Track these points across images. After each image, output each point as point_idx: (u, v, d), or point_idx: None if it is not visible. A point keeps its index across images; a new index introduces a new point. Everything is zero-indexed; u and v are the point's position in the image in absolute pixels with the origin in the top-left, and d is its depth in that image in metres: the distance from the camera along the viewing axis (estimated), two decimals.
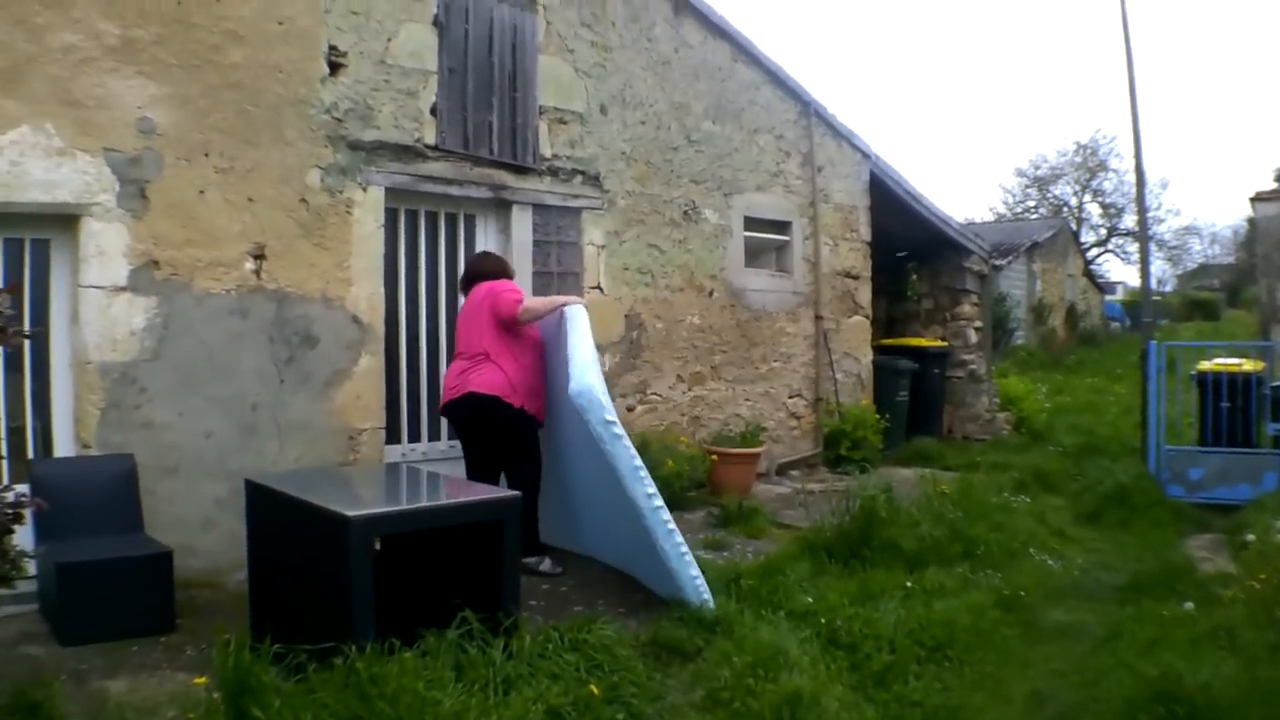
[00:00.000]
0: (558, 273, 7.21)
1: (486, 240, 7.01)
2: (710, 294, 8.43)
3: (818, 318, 9.53)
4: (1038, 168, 41.15)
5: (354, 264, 6.06)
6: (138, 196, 5.30)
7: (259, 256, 5.70)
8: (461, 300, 6.20)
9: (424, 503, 4.51)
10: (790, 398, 9.29)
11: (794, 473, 9.16)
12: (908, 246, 11.67)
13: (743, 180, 8.77)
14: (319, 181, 5.91)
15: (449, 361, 6.27)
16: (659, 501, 4.87)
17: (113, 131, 5.20)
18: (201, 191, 5.51)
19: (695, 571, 4.87)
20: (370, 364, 6.12)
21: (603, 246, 7.51)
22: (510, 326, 5.70)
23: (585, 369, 5.03)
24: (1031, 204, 40.92)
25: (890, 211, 10.38)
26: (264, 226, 5.71)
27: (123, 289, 5.27)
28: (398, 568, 4.37)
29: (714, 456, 7.76)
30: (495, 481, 5.73)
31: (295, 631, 3.79)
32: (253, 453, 5.66)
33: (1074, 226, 36.55)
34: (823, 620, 4.59)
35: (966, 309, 11.61)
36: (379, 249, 6.20)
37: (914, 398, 10.71)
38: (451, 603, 3.98)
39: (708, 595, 4.84)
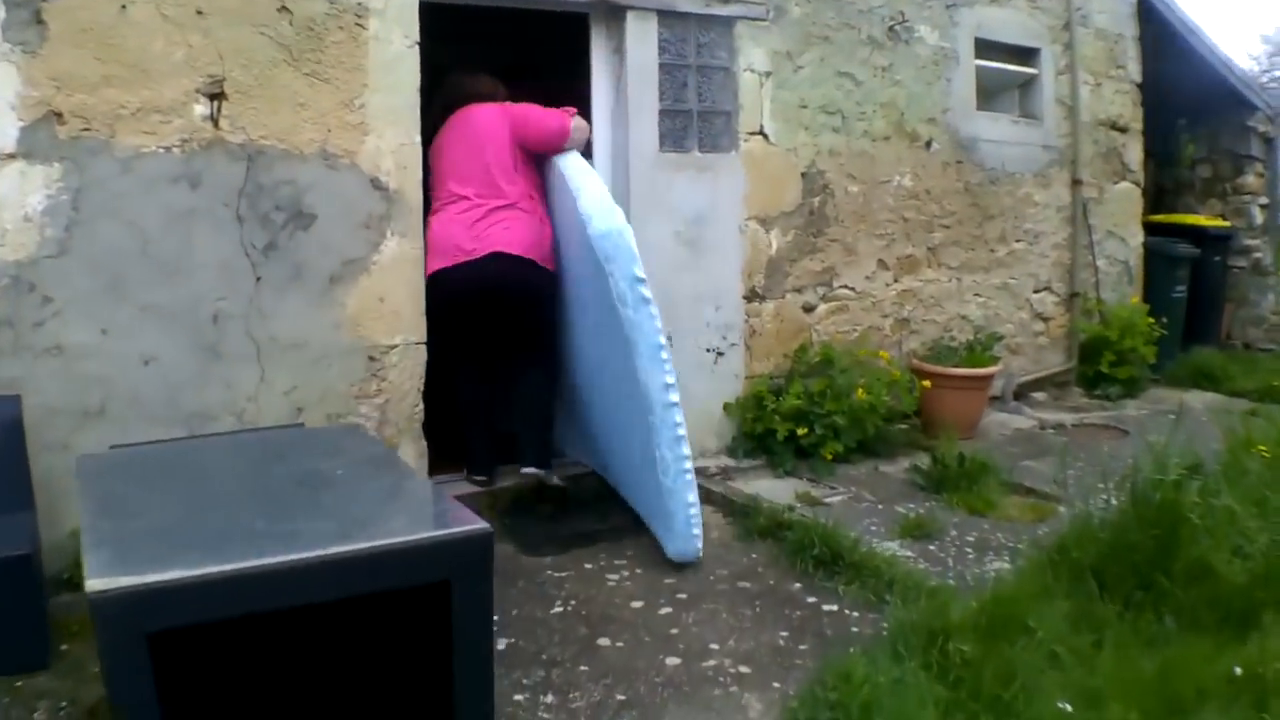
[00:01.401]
0: (698, 111, 4.97)
1: (586, 66, 4.88)
2: (927, 145, 5.91)
3: (1075, 182, 6.79)
4: None
5: (371, 103, 4.06)
6: (30, 24, 3.48)
7: (216, 96, 3.79)
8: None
9: (283, 556, 2.03)
10: (1036, 292, 6.70)
11: (1037, 395, 6.66)
12: (1177, 96, 8.51)
13: None
14: None
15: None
16: (675, 396, 3.81)
17: None
18: (124, 6, 3.64)
19: (693, 510, 3.85)
20: (401, 249, 4.17)
21: (768, 74, 5.18)
22: (542, 159, 4.44)
23: (609, 208, 3.93)
24: None
25: (1158, 49, 7.33)
26: (222, 50, 3.79)
27: (10, 156, 3.50)
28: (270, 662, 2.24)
29: (925, 381, 5.44)
30: (494, 381, 4.61)
31: None
32: (218, 385, 3.87)
33: None
34: None
35: (1251, 180, 8.35)
36: (412, 78, 4.15)
37: (1190, 294, 7.85)
38: None
39: (698, 544, 3.87)
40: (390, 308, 4.17)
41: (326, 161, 3.99)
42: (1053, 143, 6.67)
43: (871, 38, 5.55)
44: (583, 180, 4.10)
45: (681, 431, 3.79)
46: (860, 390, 4.94)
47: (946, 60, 5.93)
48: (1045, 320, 6.76)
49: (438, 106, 4.48)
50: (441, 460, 4.52)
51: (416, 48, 4.15)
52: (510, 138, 4.35)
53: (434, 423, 4.41)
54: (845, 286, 5.56)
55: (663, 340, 3.74)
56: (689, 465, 3.84)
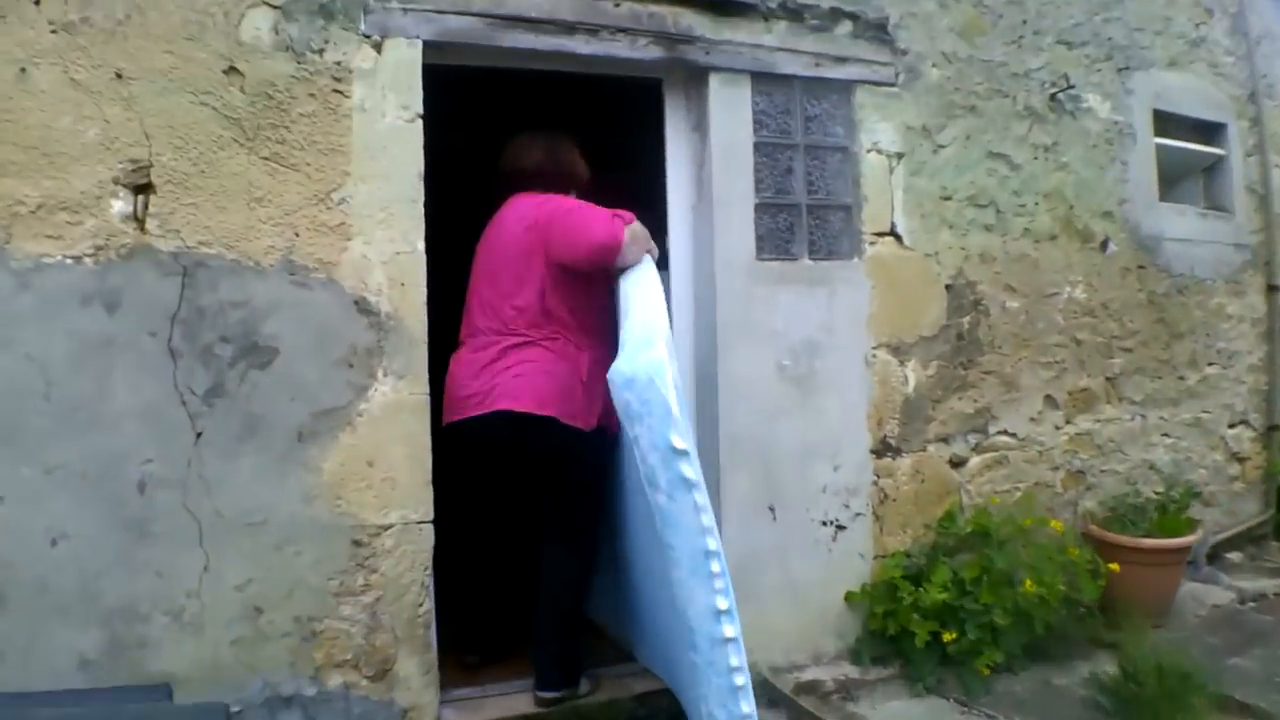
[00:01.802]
0: (808, 206, 3.79)
1: (660, 146, 3.75)
2: (1103, 246, 4.56)
3: (1270, 288, 5.31)
4: None
5: (355, 196, 2.99)
6: None
7: (141, 188, 2.79)
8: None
9: None
10: (1231, 427, 5.19)
11: (1231, 555, 5.10)
12: None
13: (1146, 47, 4.80)
14: (269, 32, 2.91)
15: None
16: (731, 629, 2.58)
17: None
18: (23, 69, 2.69)
19: None
20: (398, 395, 3.04)
21: (899, 156, 3.98)
22: (587, 274, 3.24)
23: (641, 339, 2.70)
24: None
25: None
26: (150, 126, 2.79)
27: None
28: None
29: (1113, 565, 3.96)
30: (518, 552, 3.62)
31: None
32: (147, 575, 2.78)
33: None
34: None
35: None
36: (412, 162, 3.08)
37: None
38: None
39: None
40: (382, 474, 3.03)
41: (293, 276, 2.92)
42: (1245, 240, 5.24)
43: (1030, 108, 4.30)
44: (636, 302, 2.95)
45: (740, 681, 2.57)
46: (1028, 581, 3.59)
47: (1122, 138, 4.62)
48: (1240, 461, 5.24)
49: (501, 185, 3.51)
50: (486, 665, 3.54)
51: (419, 123, 3.09)
52: (543, 242, 3.23)
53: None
54: (1004, 432, 4.21)
55: (712, 545, 2.55)
56: None
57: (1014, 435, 4.23)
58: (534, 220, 3.26)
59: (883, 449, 3.89)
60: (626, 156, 4.18)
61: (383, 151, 3.03)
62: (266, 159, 2.90)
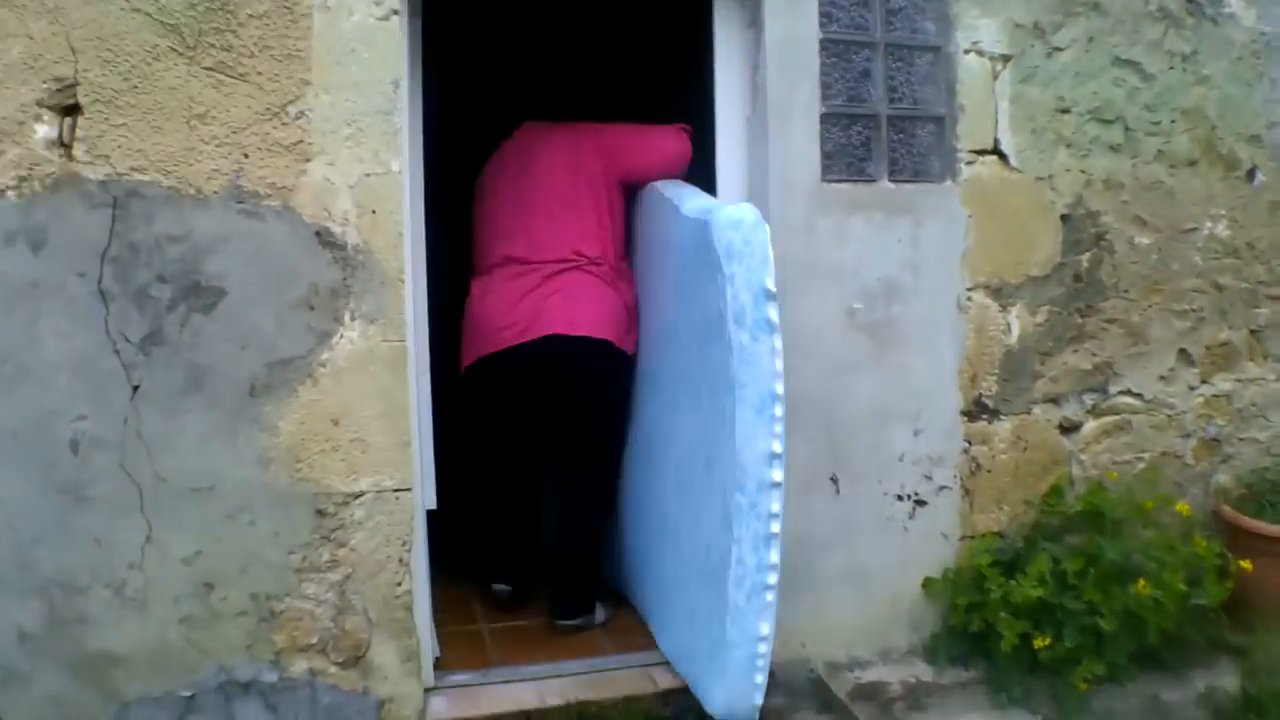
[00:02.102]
0: (888, 117, 3.14)
1: (706, 46, 3.16)
2: (1250, 175, 3.66)
3: None
4: None
5: (315, 109, 2.54)
6: None
7: (68, 110, 2.42)
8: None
9: None
10: None
11: None
12: None
13: None
14: None
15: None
16: (778, 474, 2.57)
17: None
18: None
19: (762, 647, 2.59)
20: (369, 342, 2.61)
21: (1005, 59, 3.25)
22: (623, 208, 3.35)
23: (732, 203, 2.84)
24: None
25: None
26: (76, 40, 2.40)
27: None
28: None
29: (1245, 563, 3.15)
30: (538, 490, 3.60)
31: None
32: (85, 543, 2.47)
33: None
34: None
35: None
36: (386, 68, 2.60)
37: None
38: None
39: (757, 698, 2.62)
40: (350, 434, 2.62)
41: (241, 205, 2.51)
42: None
43: (1164, 9, 3.45)
44: (683, 190, 3.08)
45: (775, 528, 2.57)
46: (1141, 581, 2.92)
47: (1270, 51, 3.68)
48: None
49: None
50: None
51: (396, 20, 2.60)
52: (603, 171, 3.25)
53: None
54: (1127, 392, 3.47)
55: (779, 390, 2.57)
56: (772, 582, 2.57)
57: (1139, 396, 3.48)
58: (601, 143, 3.26)
59: (977, 410, 3.26)
60: (666, 73, 3.79)
61: (350, 55, 2.56)
62: (210, 69, 2.47)
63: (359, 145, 2.57)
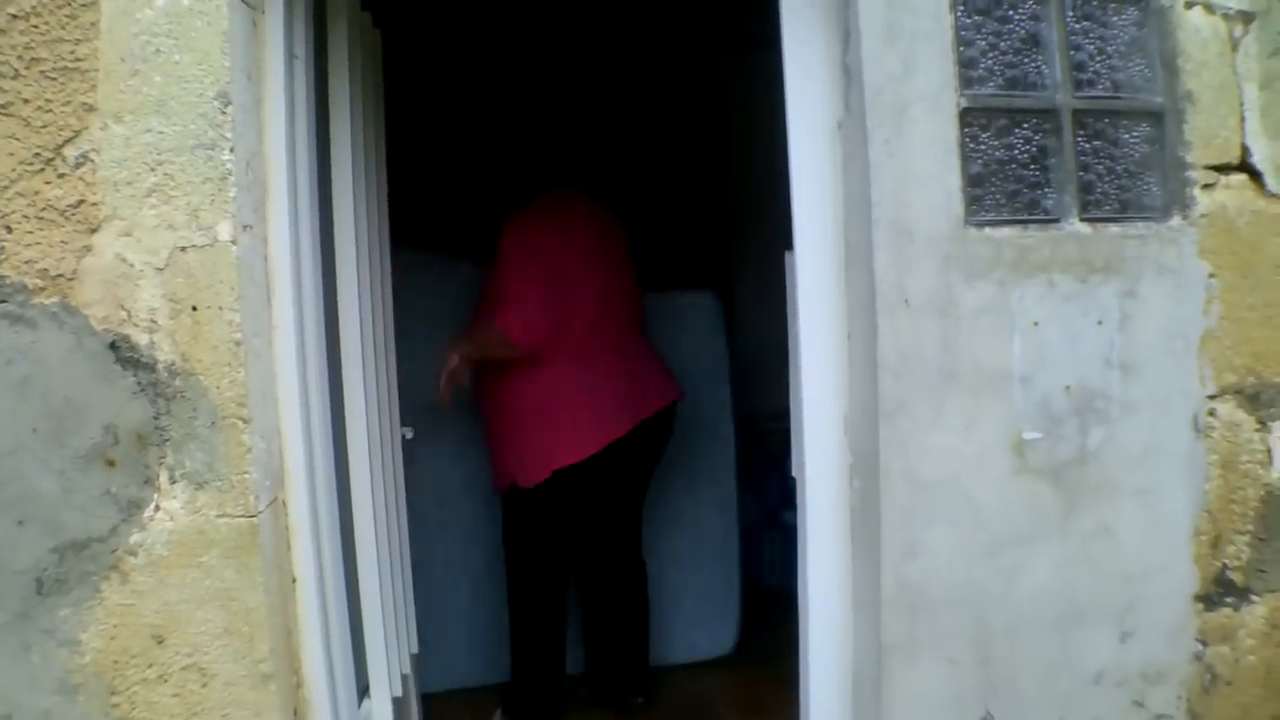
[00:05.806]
0: (1073, 108, 1.91)
1: (774, 20, 1.98)
2: None
3: None
4: None
5: (106, 146, 1.57)
6: None
7: None
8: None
9: None
10: None
11: None
12: None
13: None
14: None
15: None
16: None
17: None
18: None
19: None
20: (196, 518, 1.62)
21: (1246, 19, 1.94)
22: None
23: None
24: None
25: None
26: None
27: None
28: None
29: None
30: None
31: None
32: None
33: None
34: None
35: None
36: (211, 78, 1.59)
37: None
38: None
39: None
40: (183, 658, 1.66)
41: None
42: None
43: None
44: None
45: None
46: None
47: None
48: None
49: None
50: None
51: (225, 3, 1.60)
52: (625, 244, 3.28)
53: None
54: None
55: None
56: None
57: None
58: (615, 223, 3.26)
59: (1219, 592, 2.01)
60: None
61: (153, 60, 1.58)
62: None
63: (167, 201, 1.59)
